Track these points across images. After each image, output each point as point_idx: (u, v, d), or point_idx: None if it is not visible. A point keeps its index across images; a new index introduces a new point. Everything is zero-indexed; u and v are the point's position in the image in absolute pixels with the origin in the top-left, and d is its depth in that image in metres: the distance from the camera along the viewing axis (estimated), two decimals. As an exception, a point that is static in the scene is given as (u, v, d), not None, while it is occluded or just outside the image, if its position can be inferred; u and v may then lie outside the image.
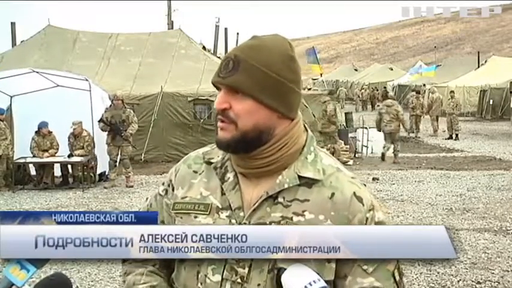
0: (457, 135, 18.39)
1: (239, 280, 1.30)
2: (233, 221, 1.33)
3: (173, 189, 1.44)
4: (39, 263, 1.17)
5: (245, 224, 1.31)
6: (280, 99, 1.32)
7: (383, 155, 13.71)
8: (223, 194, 1.36)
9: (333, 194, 1.32)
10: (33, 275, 1.17)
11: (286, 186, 1.32)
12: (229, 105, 1.29)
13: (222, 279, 1.31)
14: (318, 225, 1.30)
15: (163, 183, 1.49)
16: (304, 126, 1.41)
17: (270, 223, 1.30)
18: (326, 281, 1.28)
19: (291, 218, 1.30)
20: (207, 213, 1.35)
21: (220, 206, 1.35)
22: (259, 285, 1.29)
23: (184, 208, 1.38)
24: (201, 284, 1.33)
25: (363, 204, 1.32)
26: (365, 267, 1.30)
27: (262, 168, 1.34)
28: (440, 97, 21.40)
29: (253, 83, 1.29)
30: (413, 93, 21.05)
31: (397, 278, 1.32)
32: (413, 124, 19.34)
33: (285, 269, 1.27)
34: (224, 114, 1.30)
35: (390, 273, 1.31)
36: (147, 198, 1.54)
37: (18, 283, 1.15)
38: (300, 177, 1.32)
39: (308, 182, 1.33)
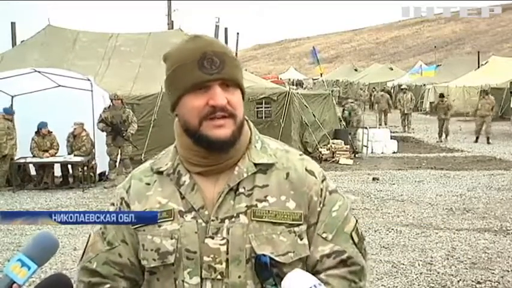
0: (488, 138, 17.33)
1: (219, 277, 1.29)
2: (199, 220, 1.32)
3: (128, 206, 1.40)
4: (40, 260, 1.17)
5: (213, 221, 1.31)
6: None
7: None
8: (182, 197, 1.35)
9: (287, 174, 1.36)
10: (34, 273, 1.16)
11: (245, 175, 1.33)
12: (226, 99, 1.29)
13: (202, 279, 1.30)
14: (282, 206, 1.33)
15: (112, 204, 1.44)
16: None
17: (237, 215, 1.31)
18: (300, 259, 1.33)
19: (256, 205, 1.32)
20: (171, 219, 1.33)
21: (183, 210, 1.33)
22: (239, 277, 1.30)
23: None
24: None
25: (316, 177, 1.38)
26: (324, 235, 1.35)
27: (226, 161, 1.34)
28: (413, 97, 22.45)
29: (238, 73, 1.33)
30: (439, 97, 19.34)
31: (356, 239, 1.37)
32: (440, 129, 18.21)
33: (264, 255, 1.29)
34: (225, 110, 1.28)
35: (348, 235, 1.36)
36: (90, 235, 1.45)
37: (20, 281, 1.14)
38: (255, 165, 1.35)
39: (262, 169, 1.35)
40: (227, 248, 1.29)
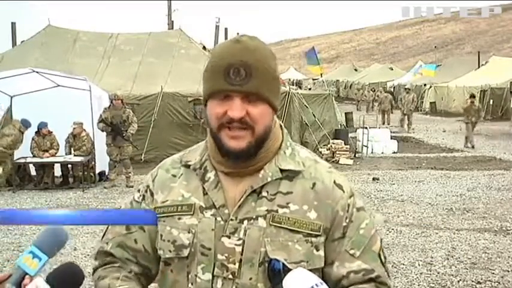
0: None
1: (230, 276, 1.30)
2: (218, 218, 1.33)
3: (152, 195, 1.43)
4: (50, 251, 1.19)
5: (232, 220, 1.32)
6: (278, 98, 1.36)
7: None
8: (205, 194, 1.36)
9: (314, 184, 1.35)
10: (45, 264, 1.18)
11: (269, 179, 1.34)
12: (246, 111, 1.28)
13: (213, 276, 1.31)
14: (302, 215, 1.32)
15: (138, 190, 1.48)
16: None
17: (256, 217, 1.32)
18: (315, 269, 1.31)
19: (277, 211, 1.32)
20: (191, 213, 1.35)
21: (204, 206, 1.35)
22: (251, 279, 1.30)
23: (166, 211, 1.37)
24: (192, 284, 1.33)
25: (344, 191, 1.37)
26: (352, 251, 1.34)
27: (250, 166, 1.34)
28: (415, 98, 22.42)
29: (267, 87, 1.30)
30: (468, 98, 17.71)
31: (383, 259, 1.37)
32: (469, 134, 16.45)
33: (277, 260, 1.28)
34: (242, 121, 1.28)
35: (376, 255, 1.36)
36: (120, 207, 1.53)
37: (31, 272, 1.17)
38: (281, 170, 1.35)
39: (289, 175, 1.35)
40: (242, 249, 1.30)
